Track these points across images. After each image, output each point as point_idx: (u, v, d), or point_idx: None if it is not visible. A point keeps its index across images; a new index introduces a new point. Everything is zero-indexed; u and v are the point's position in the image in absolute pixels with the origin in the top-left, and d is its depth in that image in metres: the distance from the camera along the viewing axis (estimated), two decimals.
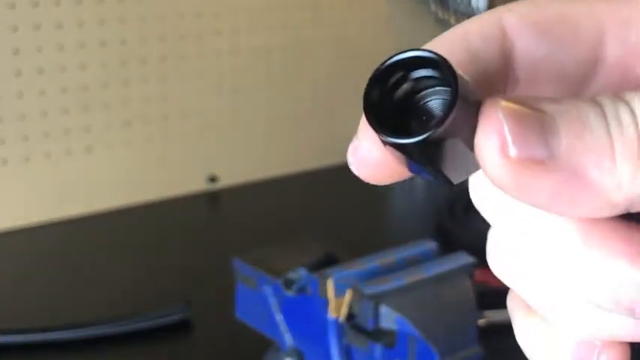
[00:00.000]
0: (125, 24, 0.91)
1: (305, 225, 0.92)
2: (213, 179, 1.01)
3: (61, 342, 0.66)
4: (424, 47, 0.21)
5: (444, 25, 1.11)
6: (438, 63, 0.20)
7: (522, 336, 0.25)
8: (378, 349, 0.52)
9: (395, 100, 0.21)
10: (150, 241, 0.88)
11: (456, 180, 0.22)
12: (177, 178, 0.99)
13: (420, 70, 0.21)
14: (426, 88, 0.22)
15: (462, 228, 0.85)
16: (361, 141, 0.23)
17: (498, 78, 0.24)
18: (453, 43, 0.24)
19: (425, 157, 0.20)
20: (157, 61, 0.94)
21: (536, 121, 0.20)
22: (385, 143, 0.21)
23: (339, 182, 1.05)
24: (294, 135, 1.06)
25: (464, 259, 0.56)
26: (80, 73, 0.90)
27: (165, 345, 0.67)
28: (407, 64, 0.21)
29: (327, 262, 0.58)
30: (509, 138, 0.19)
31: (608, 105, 0.20)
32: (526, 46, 0.24)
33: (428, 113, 0.22)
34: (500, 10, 0.24)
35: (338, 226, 0.91)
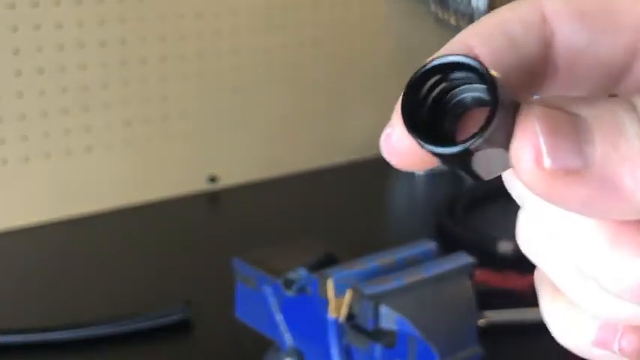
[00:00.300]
0: (125, 24, 0.91)
1: (305, 225, 0.92)
2: (213, 179, 1.01)
3: (61, 342, 0.66)
4: (461, 53, 0.21)
5: (444, 25, 1.11)
6: (477, 69, 0.20)
7: (547, 314, 0.26)
8: (378, 349, 0.52)
9: (430, 101, 0.22)
10: (150, 241, 0.88)
11: (487, 177, 0.22)
12: (177, 178, 0.99)
13: (456, 73, 0.21)
14: (462, 84, 0.22)
15: (462, 228, 0.85)
16: (394, 128, 0.23)
17: (538, 66, 0.24)
18: (491, 29, 0.23)
19: (459, 162, 0.21)
20: (156, 61, 0.94)
21: (571, 128, 0.20)
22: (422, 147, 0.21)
23: (339, 182, 1.05)
24: (294, 135, 1.06)
25: (464, 259, 0.56)
26: (80, 73, 0.90)
27: (166, 345, 0.67)
28: (443, 70, 0.21)
29: (327, 262, 0.58)
30: (544, 149, 0.20)
31: None
32: (567, 34, 0.24)
33: (463, 107, 0.22)
34: None
35: (338, 226, 0.91)
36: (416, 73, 0.21)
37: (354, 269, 0.55)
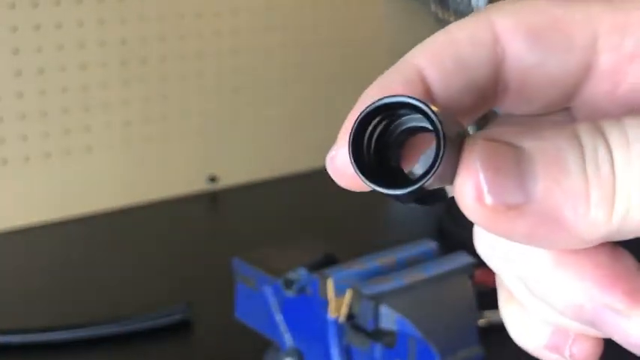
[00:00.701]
0: (125, 24, 0.91)
1: (305, 225, 0.92)
2: (213, 179, 1.01)
3: (61, 342, 0.66)
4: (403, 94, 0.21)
5: (444, 25, 1.11)
6: (421, 110, 0.20)
7: (504, 314, 0.26)
8: (378, 349, 0.52)
9: (375, 137, 0.22)
10: (150, 241, 0.88)
11: (432, 204, 0.22)
12: (177, 178, 0.99)
13: (399, 110, 0.21)
14: (404, 116, 0.22)
15: (462, 228, 0.85)
16: (338, 151, 0.23)
17: (488, 86, 0.24)
18: (441, 51, 0.23)
19: (408, 198, 0.21)
20: (156, 61, 0.94)
21: (514, 163, 0.20)
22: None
23: None
24: (294, 135, 1.06)
25: (464, 259, 0.56)
26: (80, 73, 0.90)
27: (166, 345, 0.67)
28: (388, 109, 0.21)
29: (327, 262, 0.58)
30: (484, 188, 0.20)
31: (587, 142, 0.20)
32: (518, 52, 0.23)
33: (406, 135, 0.22)
34: (492, 12, 0.24)
35: (338, 226, 0.91)
36: (360, 114, 0.21)
37: (354, 269, 0.55)
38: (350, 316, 0.53)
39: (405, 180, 0.21)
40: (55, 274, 0.81)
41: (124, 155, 0.94)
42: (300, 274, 0.56)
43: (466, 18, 0.24)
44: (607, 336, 0.22)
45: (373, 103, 0.21)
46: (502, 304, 0.26)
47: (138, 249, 0.86)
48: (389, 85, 0.24)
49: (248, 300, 0.61)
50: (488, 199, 0.20)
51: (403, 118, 0.22)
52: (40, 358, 0.66)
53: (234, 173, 1.02)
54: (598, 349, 0.24)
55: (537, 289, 0.22)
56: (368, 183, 0.21)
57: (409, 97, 0.20)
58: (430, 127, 0.20)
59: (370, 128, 0.22)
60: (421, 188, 0.20)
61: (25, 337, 0.66)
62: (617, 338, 0.21)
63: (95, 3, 0.89)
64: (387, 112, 0.21)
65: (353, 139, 0.21)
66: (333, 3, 1.07)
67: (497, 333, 0.69)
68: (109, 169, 0.94)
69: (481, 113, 0.25)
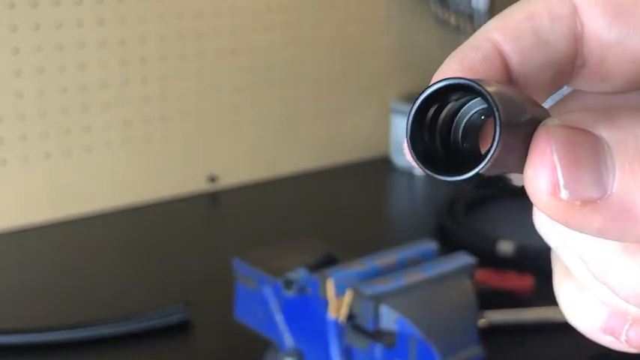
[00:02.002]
0: (125, 24, 0.91)
1: (305, 225, 0.92)
2: (213, 179, 1.00)
3: (60, 342, 0.66)
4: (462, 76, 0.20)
5: (444, 25, 1.11)
6: (477, 90, 0.20)
7: (559, 292, 0.25)
8: (378, 349, 0.52)
9: (438, 129, 0.21)
10: (150, 241, 0.88)
11: (498, 187, 0.21)
12: (177, 178, 0.98)
13: (455, 94, 0.21)
14: (465, 102, 0.21)
15: (462, 228, 0.85)
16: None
17: (566, 61, 0.23)
18: (519, 26, 0.23)
19: (474, 180, 0.20)
20: (156, 61, 0.94)
21: (592, 156, 0.19)
22: None
23: (339, 182, 1.05)
24: (295, 135, 1.06)
25: (464, 259, 0.56)
26: (80, 73, 0.89)
27: (165, 345, 0.67)
28: (441, 94, 0.21)
29: (327, 262, 0.58)
30: (561, 181, 0.19)
31: None
32: (598, 27, 0.23)
33: (475, 126, 0.21)
34: None
35: (338, 226, 0.91)
36: (414, 102, 0.21)
37: (354, 269, 0.55)
38: (350, 317, 0.53)
39: (466, 165, 0.20)
40: (54, 274, 0.80)
41: (123, 155, 0.94)
42: (300, 274, 0.56)
43: None
44: None
45: (425, 89, 0.20)
46: (557, 281, 0.25)
47: (138, 249, 0.86)
48: (467, 61, 0.23)
49: (248, 300, 0.61)
50: (564, 194, 0.19)
51: (473, 101, 0.21)
52: (40, 358, 0.66)
53: (234, 173, 1.02)
54: None
55: (600, 272, 0.22)
56: (420, 165, 0.20)
57: (460, 78, 0.20)
58: (489, 112, 0.19)
59: (433, 111, 0.21)
60: (477, 175, 0.19)
61: (24, 337, 0.66)
62: None
63: (95, 3, 0.89)
64: (448, 94, 0.21)
65: (411, 123, 0.20)
66: (334, 3, 1.07)
67: (498, 333, 0.69)
68: (109, 169, 0.94)
69: (558, 89, 0.24)
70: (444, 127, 0.21)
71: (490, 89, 0.19)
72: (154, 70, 0.94)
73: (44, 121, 0.89)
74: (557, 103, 0.26)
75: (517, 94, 0.21)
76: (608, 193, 0.19)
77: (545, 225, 0.23)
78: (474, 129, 0.21)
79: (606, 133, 0.19)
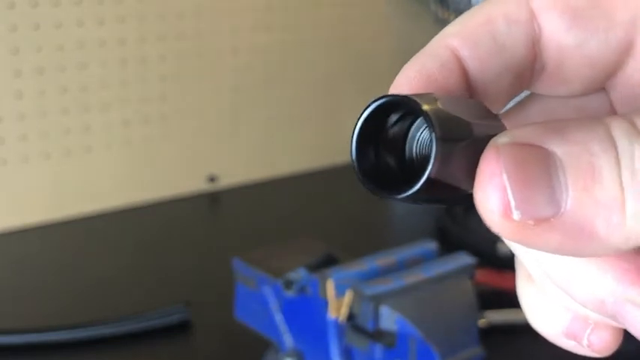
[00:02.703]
0: (124, 24, 0.91)
1: (305, 225, 0.92)
2: (213, 179, 1.00)
3: (60, 343, 0.66)
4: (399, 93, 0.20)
5: (444, 25, 1.10)
6: (412, 108, 0.19)
7: (522, 297, 0.25)
8: (378, 349, 0.52)
9: (388, 144, 0.21)
10: (150, 241, 0.88)
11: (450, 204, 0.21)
12: (177, 178, 0.98)
13: (402, 109, 0.20)
14: (413, 122, 0.21)
15: (462, 228, 0.85)
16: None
17: (524, 66, 0.23)
18: (477, 32, 0.22)
19: (429, 196, 0.20)
20: (156, 61, 0.94)
21: (544, 173, 0.18)
22: None
23: (339, 182, 1.05)
24: (294, 135, 1.06)
25: (464, 259, 0.56)
26: (80, 73, 0.89)
27: (165, 346, 0.67)
28: (388, 108, 0.20)
29: (327, 263, 0.57)
30: (512, 202, 0.18)
31: (622, 146, 0.19)
32: (555, 32, 0.22)
33: (426, 142, 0.21)
34: None
35: (338, 226, 0.91)
36: (357, 122, 0.20)
37: (354, 269, 0.55)
38: (350, 317, 0.53)
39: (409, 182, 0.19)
40: (54, 274, 0.80)
41: (123, 155, 0.94)
42: (300, 274, 0.56)
43: None
44: (628, 330, 0.21)
45: (365, 108, 0.20)
46: (520, 285, 0.25)
47: (137, 249, 0.86)
48: (425, 70, 0.23)
49: (248, 300, 0.61)
50: (516, 215, 0.18)
51: (414, 125, 0.21)
52: (40, 358, 0.66)
53: (234, 173, 1.02)
54: (617, 339, 0.23)
55: (557, 278, 0.21)
56: (362, 181, 0.20)
57: (395, 96, 0.19)
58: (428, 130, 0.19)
59: (382, 125, 0.21)
60: (417, 193, 0.19)
61: (24, 338, 0.66)
62: (637, 333, 0.21)
63: (95, 3, 0.89)
64: (396, 109, 0.20)
65: (356, 141, 0.20)
66: (334, 3, 1.07)
67: (498, 333, 0.69)
68: (109, 169, 0.94)
69: (517, 94, 0.24)
70: (396, 142, 0.21)
71: (426, 107, 0.19)
72: (154, 70, 0.94)
73: (44, 121, 0.88)
74: (517, 106, 0.25)
75: (467, 107, 0.20)
76: (562, 210, 0.19)
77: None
78: (428, 144, 0.21)
79: (558, 148, 0.19)
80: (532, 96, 0.25)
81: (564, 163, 0.19)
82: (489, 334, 0.64)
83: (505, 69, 0.22)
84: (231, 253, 0.63)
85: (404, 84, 0.22)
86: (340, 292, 0.53)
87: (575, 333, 0.24)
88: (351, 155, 0.20)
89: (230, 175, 1.02)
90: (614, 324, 0.23)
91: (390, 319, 0.52)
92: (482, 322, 0.65)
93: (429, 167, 0.18)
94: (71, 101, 0.90)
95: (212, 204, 1.00)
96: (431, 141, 0.18)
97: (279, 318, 0.58)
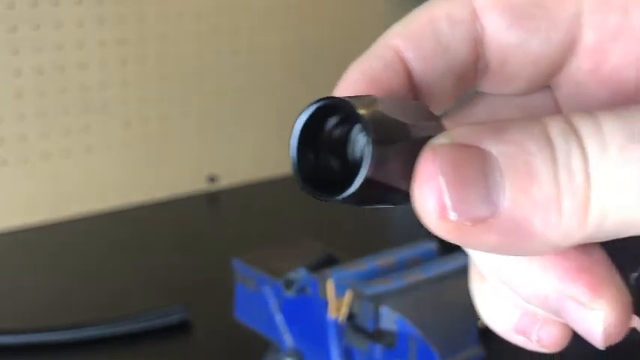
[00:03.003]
0: (124, 24, 0.91)
1: (305, 225, 0.92)
2: (213, 179, 1.00)
3: (59, 343, 0.66)
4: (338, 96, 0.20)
5: None
6: (348, 111, 0.19)
7: (474, 293, 0.25)
8: (378, 349, 0.52)
9: (329, 146, 0.21)
10: (149, 241, 0.88)
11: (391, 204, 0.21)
12: (177, 178, 0.98)
13: (339, 115, 0.20)
14: (352, 124, 0.21)
15: None
16: None
17: (468, 65, 0.23)
18: (420, 33, 0.22)
19: (368, 198, 0.20)
20: (156, 61, 0.94)
21: (480, 174, 0.18)
22: None
23: None
24: None
25: (464, 259, 0.56)
26: (79, 73, 0.89)
27: (165, 346, 0.67)
28: (329, 110, 0.20)
29: (327, 263, 0.57)
30: (448, 203, 0.18)
31: (559, 145, 0.19)
32: (498, 32, 0.23)
33: (362, 148, 0.21)
34: None
35: (338, 226, 0.91)
36: (294, 125, 0.21)
37: (354, 270, 0.55)
38: (350, 317, 0.53)
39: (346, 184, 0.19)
40: (54, 274, 0.80)
41: (123, 155, 0.94)
42: (300, 274, 0.56)
43: None
44: (571, 326, 0.21)
45: (303, 110, 0.20)
46: (472, 281, 0.25)
47: (137, 249, 0.86)
48: (370, 71, 0.23)
49: (248, 300, 0.61)
50: (453, 216, 0.18)
51: (353, 126, 0.21)
52: (40, 358, 0.66)
53: (234, 173, 1.02)
54: (566, 335, 0.24)
55: (503, 276, 0.22)
56: (300, 185, 0.20)
57: (331, 98, 0.19)
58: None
59: (329, 127, 0.20)
60: (354, 195, 0.19)
61: (24, 337, 0.66)
62: (580, 330, 0.21)
63: (94, 3, 0.89)
64: (336, 111, 0.20)
65: (297, 144, 0.21)
66: (334, 3, 1.07)
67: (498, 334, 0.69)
68: (109, 169, 0.94)
69: (461, 93, 0.24)
70: (338, 145, 0.21)
71: (362, 110, 0.19)
72: (154, 70, 0.94)
73: (44, 121, 0.88)
74: (463, 106, 0.26)
75: (407, 108, 0.20)
76: (499, 211, 0.19)
77: None
78: (360, 148, 0.21)
79: (495, 148, 0.19)
80: (478, 95, 0.25)
81: (501, 163, 0.19)
82: (489, 334, 0.64)
83: (449, 69, 0.22)
84: (231, 253, 0.63)
85: (347, 86, 0.22)
86: (340, 292, 0.53)
87: (525, 329, 0.24)
88: (291, 158, 0.20)
89: (230, 175, 1.02)
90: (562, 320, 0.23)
91: (390, 319, 0.52)
92: (482, 322, 0.65)
93: (364, 169, 0.18)
94: (71, 101, 0.90)
95: (212, 204, 1.00)
96: (367, 143, 0.18)
97: (279, 318, 0.58)
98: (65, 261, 0.84)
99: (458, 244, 0.20)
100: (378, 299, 0.52)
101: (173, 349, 0.67)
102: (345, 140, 0.21)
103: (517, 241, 0.19)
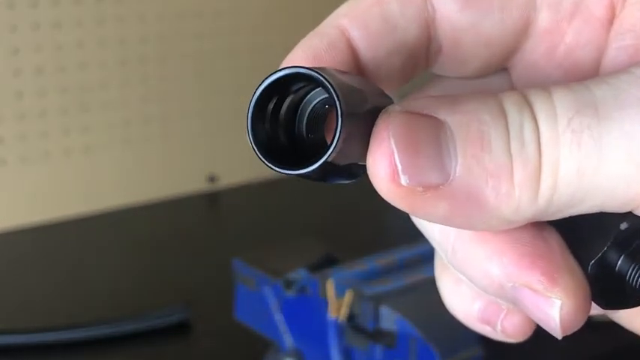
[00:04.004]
0: (124, 23, 0.91)
1: (305, 225, 0.92)
2: (213, 179, 1.00)
3: (60, 343, 0.66)
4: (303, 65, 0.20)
5: None
6: (316, 80, 0.19)
7: (439, 283, 0.26)
8: (378, 349, 0.52)
9: (281, 121, 0.20)
10: (150, 241, 0.88)
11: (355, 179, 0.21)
12: (177, 178, 0.98)
13: (298, 84, 0.20)
14: (309, 92, 0.20)
15: None
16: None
17: (419, 46, 0.23)
18: (368, 12, 0.22)
19: (321, 176, 0.19)
20: (156, 61, 0.94)
21: (432, 140, 0.18)
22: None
23: None
24: None
25: None
26: (79, 72, 0.89)
27: (165, 346, 0.67)
28: (282, 83, 0.20)
29: (327, 263, 0.57)
30: (399, 167, 0.18)
31: (513, 116, 0.19)
32: (449, 12, 0.22)
33: (319, 114, 0.21)
34: None
35: (338, 226, 0.91)
36: (254, 93, 0.20)
37: (354, 270, 0.55)
38: (350, 317, 0.53)
39: (311, 157, 0.19)
40: (54, 274, 0.80)
41: (123, 155, 0.94)
42: (300, 274, 0.56)
43: None
44: (528, 315, 0.21)
45: (264, 79, 0.20)
46: (437, 272, 0.25)
47: (137, 249, 0.86)
48: (312, 50, 0.23)
49: (248, 300, 0.61)
50: (404, 180, 0.18)
51: (315, 91, 0.20)
52: (40, 358, 0.66)
53: (234, 173, 1.02)
54: (531, 325, 0.23)
55: (456, 263, 0.22)
56: (262, 160, 0.20)
57: (298, 67, 0.19)
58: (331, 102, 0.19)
59: (275, 102, 0.20)
60: (322, 167, 0.19)
61: (24, 338, 0.66)
62: (536, 319, 0.21)
63: (94, 3, 0.89)
64: (291, 84, 0.20)
65: (251, 115, 0.20)
66: (333, 3, 1.07)
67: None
68: (109, 169, 0.94)
69: (415, 75, 0.24)
70: (288, 119, 0.20)
71: (330, 79, 0.18)
72: (154, 70, 0.94)
73: (44, 121, 0.88)
74: (419, 89, 0.25)
75: (359, 82, 0.20)
76: (451, 178, 0.19)
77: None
78: (319, 119, 0.21)
79: (449, 117, 0.19)
80: (434, 78, 0.25)
81: (454, 131, 0.19)
82: None
83: (397, 49, 0.22)
84: (231, 253, 0.63)
85: (291, 64, 0.21)
86: (340, 292, 0.53)
87: (489, 318, 0.24)
88: (247, 130, 0.20)
89: (230, 175, 1.02)
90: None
91: (390, 319, 0.52)
92: None
93: (336, 140, 0.18)
94: (71, 101, 0.89)
95: (212, 204, 1.00)
96: (337, 114, 0.18)
97: (279, 318, 0.58)
98: (65, 261, 0.84)
99: (410, 213, 0.19)
100: (378, 299, 0.52)
101: (173, 349, 0.67)
102: (294, 113, 0.21)
103: (468, 211, 0.19)
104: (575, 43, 0.23)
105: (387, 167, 0.18)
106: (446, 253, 0.22)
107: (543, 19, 0.22)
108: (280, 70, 0.20)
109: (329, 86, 0.18)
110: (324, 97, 0.20)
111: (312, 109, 0.21)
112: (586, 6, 0.22)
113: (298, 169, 0.19)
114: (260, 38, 1.01)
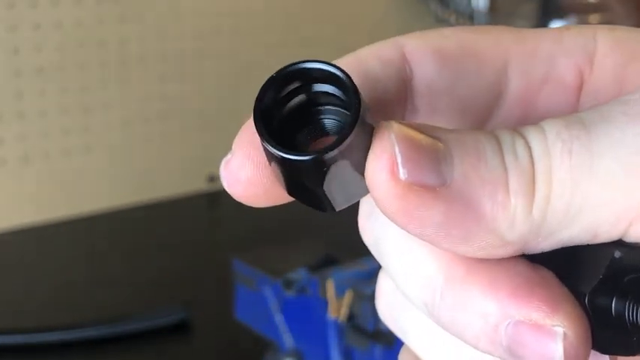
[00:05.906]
0: (124, 24, 0.91)
1: (305, 225, 0.92)
2: (213, 179, 1.00)
3: (60, 343, 0.66)
4: (332, 62, 0.20)
5: (444, 25, 1.11)
6: (342, 80, 0.19)
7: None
8: (378, 349, 0.52)
9: (287, 109, 0.20)
10: (150, 242, 0.88)
11: (339, 205, 0.21)
12: (177, 178, 0.98)
13: (320, 85, 0.20)
14: (324, 104, 0.20)
15: None
16: (234, 155, 0.23)
17: (396, 105, 0.23)
18: (348, 65, 0.22)
19: (311, 177, 0.19)
20: (156, 61, 0.94)
21: (430, 147, 0.19)
22: (271, 159, 0.20)
23: None
24: None
25: None
26: (79, 72, 0.89)
27: (165, 346, 0.67)
28: (308, 75, 0.20)
29: (327, 263, 0.57)
30: (399, 159, 0.19)
31: (505, 137, 0.20)
32: (426, 75, 0.23)
33: (319, 129, 0.21)
34: (400, 37, 0.23)
35: (338, 226, 0.91)
36: (276, 72, 0.20)
37: (354, 269, 0.55)
38: (350, 317, 0.53)
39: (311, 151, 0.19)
40: (53, 274, 0.80)
41: (123, 155, 0.94)
42: (300, 274, 0.56)
43: (375, 43, 0.24)
44: None
45: (288, 66, 0.20)
46: None
47: (137, 249, 0.86)
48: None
49: (248, 300, 0.61)
50: (403, 173, 0.19)
51: (324, 107, 0.20)
52: (40, 358, 0.66)
53: None
54: None
55: (443, 313, 0.20)
56: (265, 138, 0.19)
57: (328, 63, 0.19)
58: (347, 108, 0.19)
59: (283, 95, 0.20)
60: (323, 161, 0.18)
61: (24, 337, 0.66)
62: (538, 357, 0.19)
63: (94, 3, 0.89)
64: (305, 82, 0.20)
65: (263, 95, 0.20)
66: (333, 3, 1.07)
67: None
68: (109, 169, 0.94)
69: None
70: (293, 110, 0.20)
71: (354, 83, 0.19)
72: (154, 70, 0.94)
73: (44, 121, 0.88)
74: None
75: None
76: (448, 182, 0.19)
77: (371, 240, 0.24)
78: (315, 131, 0.21)
79: (444, 136, 0.19)
80: None
81: (451, 146, 0.19)
82: None
83: (375, 104, 0.22)
84: (231, 254, 0.63)
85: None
86: (340, 292, 0.53)
87: None
88: (254, 111, 0.20)
89: None
90: None
91: None
92: None
93: (349, 138, 0.18)
94: (71, 101, 0.90)
95: (212, 204, 1.00)
96: (352, 117, 0.19)
97: (279, 318, 0.58)
98: (65, 261, 0.84)
99: (403, 223, 0.19)
100: None
101: (173, 349, 0.67)
102: (298, 109, 0.20)
103: (464, 221, 0.19)
104: (548, 111, 0.23)
105: (387, 160, 0.19)
106: (432, 304, 0.21)
107: (515, 86, 0.23)
108: (315, 61, 0.20)
109: (350, 85, 0.19)
110: (333, 118, 0.20)
111: (317, 122, 0.21)
112: (557, 73, 0.23)
113: (292, 154, 0.19)
114: (260, 38, 1.01)
